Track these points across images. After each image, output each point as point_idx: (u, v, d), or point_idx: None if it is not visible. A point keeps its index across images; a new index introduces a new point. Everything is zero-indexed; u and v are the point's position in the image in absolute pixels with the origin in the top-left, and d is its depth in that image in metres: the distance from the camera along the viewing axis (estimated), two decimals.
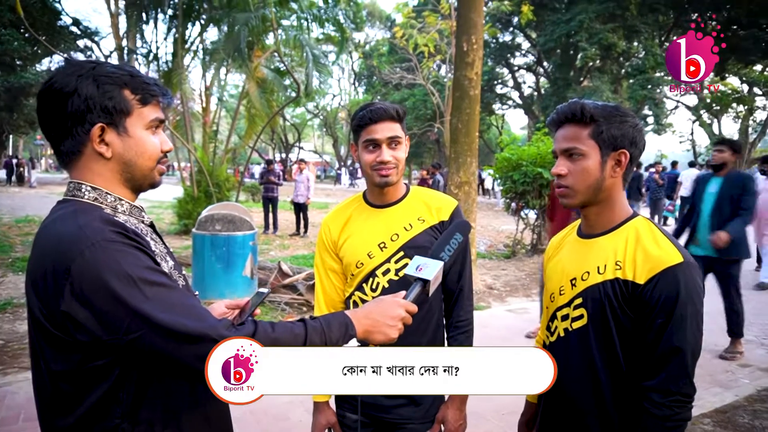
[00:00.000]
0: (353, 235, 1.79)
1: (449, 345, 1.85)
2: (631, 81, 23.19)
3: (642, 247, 1.30)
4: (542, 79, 29.54)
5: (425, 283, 1.28)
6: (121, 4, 14.66)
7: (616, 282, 1.30)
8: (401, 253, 1.72)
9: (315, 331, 1.05)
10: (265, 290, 1.34)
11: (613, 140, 1.33)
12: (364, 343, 1.16)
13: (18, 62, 24.63)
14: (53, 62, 28.12)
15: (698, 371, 1.28)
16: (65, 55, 21.27)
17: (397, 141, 1.70)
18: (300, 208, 12.34)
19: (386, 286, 1.72)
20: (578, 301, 1.38)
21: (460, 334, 1.82)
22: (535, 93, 29.82)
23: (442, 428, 1.77)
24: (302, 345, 1.02)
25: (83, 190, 1.08)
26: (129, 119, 1.09)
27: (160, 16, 13.39)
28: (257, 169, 31.66)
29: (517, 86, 30.80)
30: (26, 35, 21.36)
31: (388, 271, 1.73)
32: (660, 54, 22.05)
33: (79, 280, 0.94)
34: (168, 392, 1.07)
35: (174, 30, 12.44)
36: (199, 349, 0.94)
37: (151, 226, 1.20)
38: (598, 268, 1.35)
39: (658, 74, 22.80)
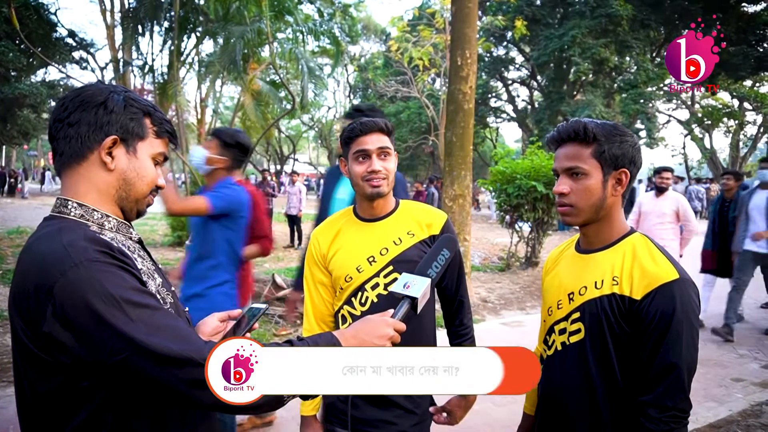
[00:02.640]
0: (342, 248, 1.80)
1: None
2: (623, 95, 23.43)
3: (639, 263, 1.31)
4: (536, 93, 29.81)
5: (413, 300, 1.27)
6: (117, 16, 14.68)
7: (613, 297, 1.32)
8: (390, 268, 1.72)
9: None
10: (262, 306, 1.32)
11: (614, 159, 1.35)
12: None
13: (13, 73, 24.63)
14: (48, 73, 28.17)
15: (692, 385, 1.29)
16: (60, 67, 21.31)
17: (387, 152, 1.73)
18: (293, 220, 12.32)
19: (375, 300, 1.72)
20: (576, 315, 1.39)
21: (466, 341, 1.86)
22: (529, 106, 30.06)
23: (444, 415, 1.78)
24: None
25: (69, 207, 1.08)
26: (141, 143, 1.13)
27: (156, 28, 13.44)
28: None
29: (511, 100, 31.03)
30: (21, 47, 21.38)
31: (377, 285, 1.73)
32: (652, 69, 22.32)
33: (61, 301, 0.93)
34: (156, 415, 1.06)
35: (170, 42, 12.48)
36: (185, 372, 0.93)
37: (140, 242, 1.19)
38: (596, 283, 1.36)
39: (650, 89, 23.05)
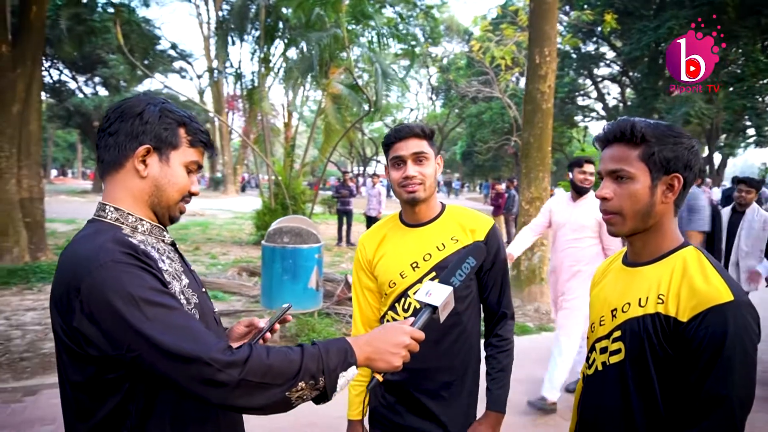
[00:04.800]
0: (387, 254, 1.81)
1: (487, 363, 1.82)
2: (729, 89, 21.53)
3: (688, 280, 1.18)
4: (628, 90, 28.16)
5: (434, 309, 1.24)
6: (213, 27, 15.66)
7: (657, 317, 1.19)
8: (434, 273, 1.71)
9: (311, 358, 1.05)
10: (284, 306, 1.34)
11: (665, 163, 1.23)
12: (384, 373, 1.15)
13: (122, 84, 27.04)
14: (152, 83, 30.61)
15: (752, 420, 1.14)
16: (160, 77, 23.10)
17: (424, 157, 1.70)
18: (372, 222, 12.50)
19: (418, 306, 1.69)
20: (617, 333, 1.28)
21: (500, 353, 1.80)
22: (621, 104, 28.44)
23: None
24: (297, 371, 1.02)
25: (107, 211, 1.16)
26: (174, 152, 1.19)
27: (247, 37, 14.18)
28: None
29: (601, 98, 29.52)
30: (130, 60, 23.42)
31: None
32: (762, 60, 20.32)
33: (87, 298, 1.00)
34: (176, 406, 1.11)
35: (258, 50, 13.11)
36: (192, 370, 0.97)
37: (172, 244, 1.25)
38: (640, 300, 1.24)
39: (761, 82, 21.02)
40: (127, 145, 1.15)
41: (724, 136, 25.98)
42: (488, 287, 1.79)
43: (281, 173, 12.03)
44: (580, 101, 29.25)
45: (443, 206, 1.84)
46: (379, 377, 1.20)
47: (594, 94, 29.78)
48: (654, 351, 1.19)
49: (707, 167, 27.26)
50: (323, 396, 1.07)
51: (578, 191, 4.00)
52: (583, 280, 3.84)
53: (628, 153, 1.25)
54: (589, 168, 3.94)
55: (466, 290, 1.75)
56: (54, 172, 49.59)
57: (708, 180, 20.18)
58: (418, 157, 1.70)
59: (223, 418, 1.20)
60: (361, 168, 42.69)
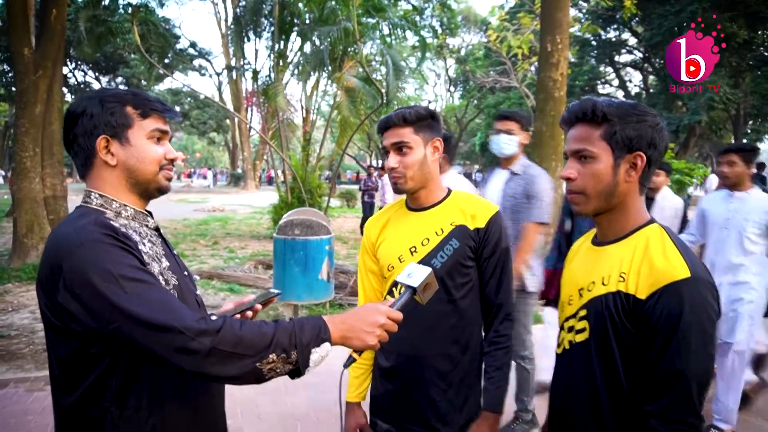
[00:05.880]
0: (388, 238, 1.81)
1: (486, 361, 1.78)
2: (757, 73, 20.92)
3: (648, 258, 1.19)
4: (651, 77, 27.58)
5: (414, 290, 1.26)
6: (230, 24, 15.82)
7: (618, 295, 1.21)
8: None
9: (284, 332, 1.09)
10: (275, 291, 1.42)
11: (627, 141, 1.23)
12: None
13: (143, 83, 27.55)
14: (173, 82, 31.05)
15: None
16: (176, 76, 23.36)
17: (405, 146, 1.69)
18: None
19: None
20: (582, 312, 1.30)
21: (498, 350, 1.74)
22: (644, 92, 27.89)
23: None
24: (268, 343, 1.07)
25: (92, 197, 1.23)
26: (131, 131, 1.23)
27: (262, 33, 14.28)
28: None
29: (623, 85, 29.00)
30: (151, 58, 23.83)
31: None
32: None
33: (69, 276, 1.06)
34: (154, 383, 1.17)
35: (273, 46, 13.21)
36: (167, 338, 1.03)
37: (156, 229, 1.32)
38: (603, 278, 1.26)
39: None
40: (87, 144, 1.21)
41: (750, 122, 25.30)
42: (486, 276, 1.73)
43: (297, 168, 12.14)
44: (600, 89, 28.75)
45: (449, 191, 1.80)
46: (356, 355, 1.23)
47: (615, 82, 29.28)
48: (616, 329, 1.21)
49: None
50: (298, 371, 1.11)
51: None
52: None
53: (591, 132, 1.25)
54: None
55: (464, 277, 1.70)
56: None
57: None
58: (399, 147, 1.69)
59: (202, 397, 1.25)
60: (380, 161, 42.71)
